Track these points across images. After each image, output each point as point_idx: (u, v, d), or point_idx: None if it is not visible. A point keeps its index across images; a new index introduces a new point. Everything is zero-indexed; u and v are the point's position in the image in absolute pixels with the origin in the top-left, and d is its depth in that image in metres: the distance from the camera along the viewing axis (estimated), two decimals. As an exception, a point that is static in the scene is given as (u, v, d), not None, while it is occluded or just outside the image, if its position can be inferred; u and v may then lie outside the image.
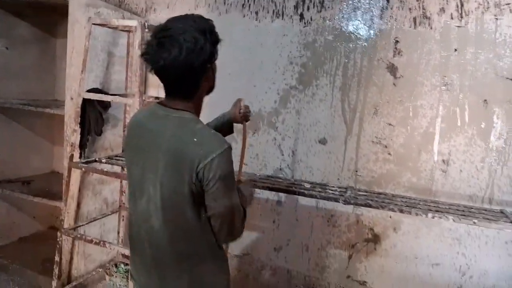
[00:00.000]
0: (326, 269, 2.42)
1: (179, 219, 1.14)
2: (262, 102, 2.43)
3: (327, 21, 2.24)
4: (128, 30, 2.31)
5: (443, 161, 2.12)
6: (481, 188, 2.07)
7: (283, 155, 2.43)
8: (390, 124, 2.19)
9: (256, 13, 2.40)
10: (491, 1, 1.95)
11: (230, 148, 1.12)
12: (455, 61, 2.04)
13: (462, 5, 2.00)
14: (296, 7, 2.30)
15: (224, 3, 2.47)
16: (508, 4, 1.92)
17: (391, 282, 2.28)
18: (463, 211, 1.74)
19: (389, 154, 2.20)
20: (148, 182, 1.15)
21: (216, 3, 2.48)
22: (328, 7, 2.24)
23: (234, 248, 2.61)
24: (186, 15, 1.14)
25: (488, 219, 1.63)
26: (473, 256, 2.12)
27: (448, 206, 1.81)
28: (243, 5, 2.42)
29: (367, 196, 1.85)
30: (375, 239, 2.29)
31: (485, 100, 2.01)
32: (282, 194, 2.45)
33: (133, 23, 1.90)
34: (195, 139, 1.09)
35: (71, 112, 2.18)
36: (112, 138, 2.46)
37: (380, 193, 1.96)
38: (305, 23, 2.30)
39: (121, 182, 2.49)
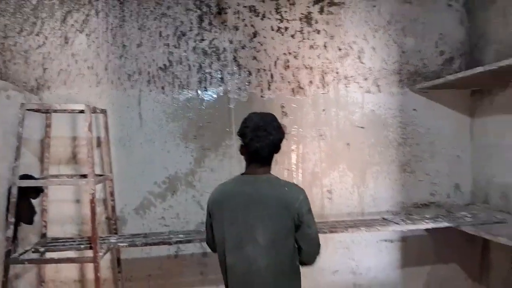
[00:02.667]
0: (255, 302, 2.88)
1: (282, 250, 1.59)
2: (177, 165, 2.81)
3: (228, 93, 2.84)
4: (46, 112, 2.36)
5: (328, 191, 2.94)
6: (355, 206, 2.97)
7: (203, 209, 2.83)
8: (287, 169, 2.90)
9: (163, 87, 2.80)
10: (342, 75, 2.94)
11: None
12: (324, 118, 2.93)
13: (323, 78, 2.92)
14: (200, 82, 2.82)
15: (129, 79, 2.78)
16: (352, 76, 2.95)
17: (307, 296, 2.92)
18: (360, 224, 2.53)
19: (290, 193, 2.90)
20: (254, 231, 1.58)
21: (120, 79, 2.77)
22: (227, 82, 2.85)
23: (165, 309, 2.81)
24: (260, 113, 1.72)
25: (382, 225, 2.46)
26: (359, 258, 3.00)
27: (350, 222, 2.60)
28: (148, 81, 2.79)
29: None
30: (290, 264, 2.91)
31: (348, 144, 2.95)
32: (205, 245, 2.82)
33: (80, 107, 2.06)
34: (286, 189, 1.65)
35: (-14, 205, 2.09)
36: (25, 225, 2.38)
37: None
38: (209, 95, 2.84)
39: (40, 270, 2.40)
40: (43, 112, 2.38)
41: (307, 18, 2.95)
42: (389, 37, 3.05)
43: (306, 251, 1.67)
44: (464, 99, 3.12)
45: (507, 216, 2.64)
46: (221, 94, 2.87)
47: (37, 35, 2.70)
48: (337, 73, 2.96)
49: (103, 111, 2.51)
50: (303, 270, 1.72)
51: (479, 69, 2.38)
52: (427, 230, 2.99)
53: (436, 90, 3.05)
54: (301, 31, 2.96)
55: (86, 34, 2.75)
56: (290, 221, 1.60)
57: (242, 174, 1.73)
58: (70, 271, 2.68)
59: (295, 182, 2.90)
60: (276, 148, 1.69)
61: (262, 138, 1.62)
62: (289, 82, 2.91)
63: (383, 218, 2.75)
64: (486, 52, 2.96)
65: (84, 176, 2.46)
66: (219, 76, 2.86)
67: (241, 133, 1.69)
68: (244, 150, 1.70)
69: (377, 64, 3.03)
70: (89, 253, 2.16)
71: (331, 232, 2.43)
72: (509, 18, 2.72)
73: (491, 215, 2.68)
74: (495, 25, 2.87)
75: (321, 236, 2.89)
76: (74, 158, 2.73)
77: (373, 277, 3.01)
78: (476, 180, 3.11)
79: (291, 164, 2.92)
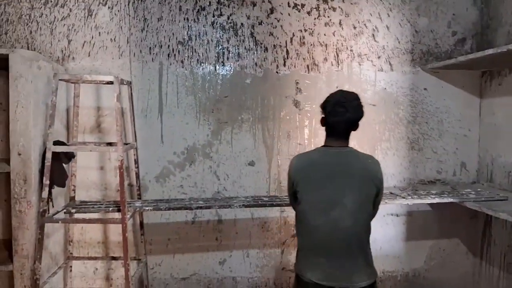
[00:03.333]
0: (265, 268, 3.12)
1: (364, 214, 1.85)
2: (195, 136, 2.97)
3: (244, 68, 2.97)
4: (75, 82, 2.51)
5: (338, 166, 3.10)
6: (364, 181, 3.14)
7: (219, 179, 3.01)
8: (299, 144, 3.06)
9: (182, 61, 2.93)
10: (356, 53, 3.06)
11: None
12: (337, 95, 3.05)
13: (338, 56, 3.04)
14: (217, 57, 2.95)
15: (150, 52, 2.91)
16: (366, 54, 3.06)
17: (315, 264, 3.13)
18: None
19: (302, 166, 3.07)
20: (342, 197, 1.80)
21: (142, 52, 2.90)
22: (244, 57, 2.97)
23: (181, 272, 3.02)
24: (345, 91, 1.94)
25: (390, 198, 2.64)
26: (365, 230, 3.16)
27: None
28: (168, 54, 2.92)
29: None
30: (300, 233, 3.11)
31: (359, 120, 3.09)
32: (221, 213, 3.02)
33: (109, 78, 2.21)
34: (369, 161, 1.92)
35: (19, 168, 2.27)
36: (56, 188, 2.56)
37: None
38: (226, 70, 2.97)
39: (68, 231, 2.62)
40: (72, 82, 2.53)
41: (324, -4, 3.05)
42: (403, 16, 3.14)
43: (374, 213, 1.98)
44: (474, 79, 3.23)
45: (510, 195, 2.80)
46: (238, 69, 2.99)
47: (61, 7, 2.82)
48: (351, 50, 3.07)
49: (129, 83, 2.66)
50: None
51: (490, 51, 2.49)
52: (431, 205, 3.16)
53: (447, 70, 3.16)
54: (317, 8, 3.05)
55: (109, 7, 2.87)
56: (374, 189, 1.87)
57: (323, 146, 1.95)
58: (94, 233, 2.89)
59: (307, 156, 3.08)
60: (352, 125, 1.89)
61: (339, 113, 1.83)
62: (304, 58, 3.03)
63: (391, 193, 2.92)
64: (498, 34, 3.06)
65: (110, 144, 2.63)
66: (236, 51, 2.98)
67: (323, 106, 1.92)
68: (323, 121, 1.95)
69: (390, 43, 3.14)
70: (116, 216, 2.35)
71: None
72: (523, 0, 2.80)
73: (495, 193, 2.83)
74: (508, 7, 2.95)
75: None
76: (98, 127, 2.89)
77: (378, 248, 3.21)
78: (482, 159, 3.26)
79: (304, 138, 3.07)
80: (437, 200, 2.70)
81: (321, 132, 3.08)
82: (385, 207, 3.16)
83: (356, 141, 3.11)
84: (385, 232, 3.21)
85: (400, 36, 3.14)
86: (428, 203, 3.01)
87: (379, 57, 3.12)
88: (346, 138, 1.92)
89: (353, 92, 1.93)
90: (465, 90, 3.22)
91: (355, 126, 1.91)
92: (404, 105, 3.17)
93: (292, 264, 3.12)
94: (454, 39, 3.21)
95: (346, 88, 3.03)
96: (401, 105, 3.17)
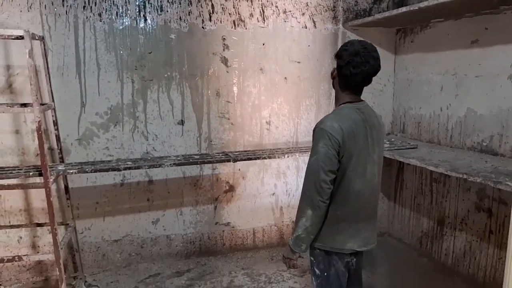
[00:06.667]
0: (199, 223, 3.19)
1: (381, 168, 1.81)
2: (119, 96, 2.85)
3: (168, 23, 2.86)
4: None
5: (266, 122, 3.20)
6: (291, 136, 3.28)
7: (147, 140, 2.96)
8: (229, 102, 3.08)
9: (100, 15, 2.74)
10: (281, 9, 3.08)
11: None
12: (264, 52, 3.09)
13: (263, 12, 3.04)
14: (138, 10, 2.80)
15: (63, 4, 2.67)
16: (290, 11, 3.10)
17: (246, 215, 3.28)
18: (295, 151, 2.84)
19: (232, 124, 3.11)
20: (373, 152, 1.72)
21: (54, 4, 2.66)
22: (167, 11, 2.85)
23: (112, 234, 2.99)
24: (363, 40, 1.71)
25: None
26: (293, 182, 3.35)
27: (286, 149, 2.89)
28: (84, 7, 2.71)
29: (242, 153, 2.71)
30: (231, 189, 3.22)
31: (285, 78, 3.18)
32: (152, 173, 3.00)
33: (18, 32, 2.01)
34: (379, 115, 1.84)
35: None
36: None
37: (244, 151, 2.85)
38: (149, 24, 2.84)
39: None
40: (-26, 37, 2.26)
41: (248, -51, 2.99)
42: (326, -26, 3.21)
43: None
44: (390, 36, 3.44)
45: (419, 143, 3.11)
46: (161, 23, 2.88)
47: (-49, -51, 2.47)
48: (276, 7, 3.09)
49: (41, 38, 2.44)
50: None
51: (403, 9, 2.66)
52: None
53: (366, 28, 3.33)
54: (241, -38, 3.00)
55: (11, -48, 2.56)
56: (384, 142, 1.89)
57: (347, 103, 1.73)
58: (15, 201, 2.73)
59: (237, 114, 3.12)
60: (369, 78, 1.69)
61: (358, 64, 1.63)
62: (230, 14, 2.99)
63: (315, 146, 3.10)
64: (412, -7, 3.26)
65: (24, 105, 2.43)
66: (159, 4, 2.85)
67: (339, 55, 1.70)
68: (337, 73, 1.73)
69: (313, 0, 3.20)
70: (37, 181, 2.22)
71: (270, 158, 2.72)
72: (433, -39, 2.99)
73: (406, 142, 3.13)
74: (421, -33, 3.14)
75: (260, 162, 3.23)
76: (9, 88, 2.65)
77: (304, 198, 3.43)
78: (395, 112, 3.55)
79: (234, 96, 3.09)
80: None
81: (250, 89, 3.15)
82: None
83: (283, 97, 3.21)
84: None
85: (322, -7, 3.22)
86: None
87: (303, 14, 3.18)
88: (361, 92, 1.76)
89: (371, 43, 1.71)
90: (382, 47, 3.42)
91: (369, 80, 1.72)
92: (326, 61, 3.30)
93: (225, 218, 3.24)
94: (372, -3, 3.36)
95: (272, 45, 3.09)
96: (324, 62, 3.30)
